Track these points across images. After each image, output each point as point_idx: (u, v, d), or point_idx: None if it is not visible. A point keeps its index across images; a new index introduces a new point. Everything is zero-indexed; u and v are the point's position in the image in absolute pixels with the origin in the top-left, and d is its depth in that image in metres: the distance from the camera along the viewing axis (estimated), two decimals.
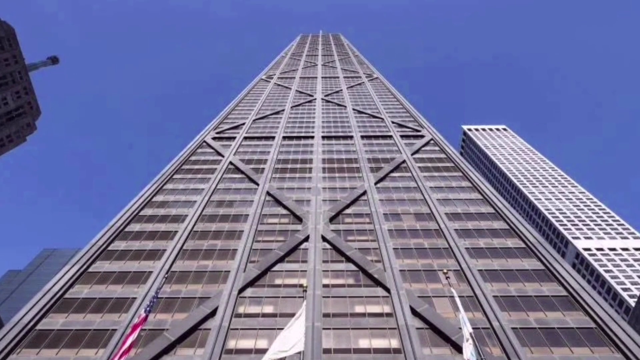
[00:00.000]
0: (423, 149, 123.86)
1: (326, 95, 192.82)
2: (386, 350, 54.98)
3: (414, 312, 60.37)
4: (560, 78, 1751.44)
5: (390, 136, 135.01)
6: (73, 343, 56.41)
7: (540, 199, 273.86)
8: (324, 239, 78.91)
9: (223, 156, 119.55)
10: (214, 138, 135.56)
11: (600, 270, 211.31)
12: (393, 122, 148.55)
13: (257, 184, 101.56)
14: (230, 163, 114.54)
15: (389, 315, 60.82)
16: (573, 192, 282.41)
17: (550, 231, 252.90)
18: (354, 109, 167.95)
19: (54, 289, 65.14)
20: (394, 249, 75.44)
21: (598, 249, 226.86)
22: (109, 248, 77.09)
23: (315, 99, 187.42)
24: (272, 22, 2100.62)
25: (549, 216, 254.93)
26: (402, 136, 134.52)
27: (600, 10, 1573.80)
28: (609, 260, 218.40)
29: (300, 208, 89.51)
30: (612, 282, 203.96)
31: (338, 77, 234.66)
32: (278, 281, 68.49)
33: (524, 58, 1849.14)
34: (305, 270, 70.31)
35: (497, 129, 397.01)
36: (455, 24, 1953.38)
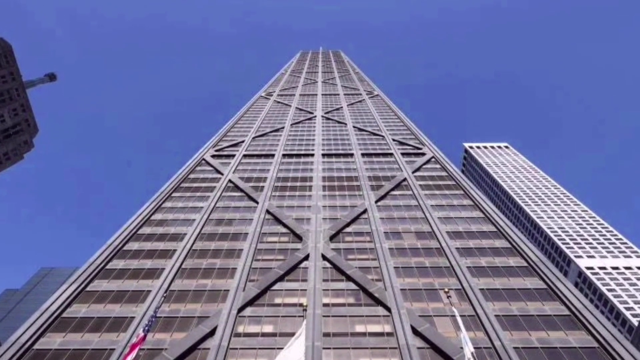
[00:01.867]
0: (424, 166, 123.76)
1: (326, 113, 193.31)
2: None
3: (415, 331, 59.77)
4: (563, 95, 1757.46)
5: (391, 154, 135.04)
6: None
7: (542, 218, 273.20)
8: (324, 257, 78.45)
9: (222, 174, 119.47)
10: (213, 156, 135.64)
11: (603, 289, 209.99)
12: (394, 140, 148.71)
13: (257, 202, 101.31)
14: (230, 181, 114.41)
15: (389, 334, 60.19)
16: (575, 211, 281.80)
17: (552, 250, 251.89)
18: (354, 127, 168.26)
19: (51, 308, 64.64)
20: (394, 267, 74.94)
21: (601, 268, 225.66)
22: (107, 267, 76.63)
23: (315, 116, 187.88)
24: (272, 39, 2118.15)
25: (552, 235, 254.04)
26: (403, 154, 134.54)
27: (602, 26, 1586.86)
28: (611, 279, 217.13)
29: (300, 226, 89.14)
30: (615, 301, 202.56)
31: (338, 94, 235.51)
32: (278, 300, 67.91)
33: (526, 75, 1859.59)
34: (305, 289, 69.76)
35: (499, 147, 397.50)
36: (457, 40, 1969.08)
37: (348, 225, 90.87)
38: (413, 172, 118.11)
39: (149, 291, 69.46)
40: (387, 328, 61.49)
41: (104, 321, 63.09)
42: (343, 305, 66.64)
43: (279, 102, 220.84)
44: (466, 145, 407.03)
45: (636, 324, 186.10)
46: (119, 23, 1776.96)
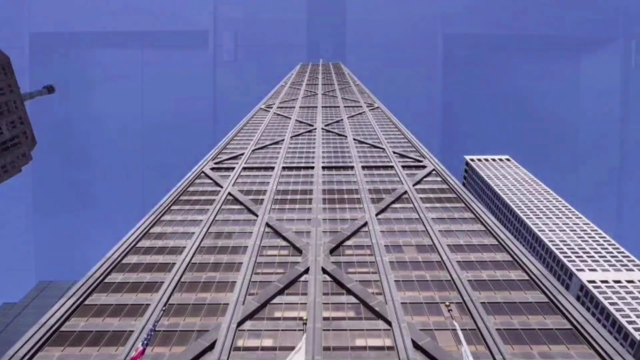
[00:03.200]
0: (425, 179, 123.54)
1: (326, 125, 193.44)
2: None
3: (416, 345, 59.22)
4: (564, 107, 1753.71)
5: (392, 166, 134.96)
6: None
7: (544, 231, 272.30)
8: (324, 271, 78.00)
9: (222, 187, 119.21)
10: (212, 169, 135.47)
11: (605, 302, 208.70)
12: (394, 152, 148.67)
13: (256, 215, 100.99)
14: (229, 194, 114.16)
15: (390, 348, 59.68)
16: (577, 224, 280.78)
17: (554, 263, 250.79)
18: (354, 139, 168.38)
19: (49, 322, 64.12)
20: (395, 281, 74.49)
21: (603, 281, 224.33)
22: (106, 280, 76.17)
23: (315, 128, 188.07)
24: (272, 51, 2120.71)
25: (553, 248, 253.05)
26: (403, 167, 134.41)
27: (603, 37, 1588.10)
28: (614, 292, 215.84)
29: (300, 240, 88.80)
30: (617, 315, 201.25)
31: (338, 107, 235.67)
32: (277, 314, 67.48)
33: (527, 87, 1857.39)
34: (305, 303, 69.29)
35: (500, 160, 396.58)
36: (457, 52, 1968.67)
37: (348, 238, 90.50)
38: (414, 185, 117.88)
39: (148, 305, 68.99)
40: (388, 342, 60.99)
41: (102, 335, 62.58)
42: (343, 319, 66.19)
43: (278, 114, 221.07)
44: (467, 158, 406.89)
45: (639, 338, 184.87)
46: (117, 35, 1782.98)
